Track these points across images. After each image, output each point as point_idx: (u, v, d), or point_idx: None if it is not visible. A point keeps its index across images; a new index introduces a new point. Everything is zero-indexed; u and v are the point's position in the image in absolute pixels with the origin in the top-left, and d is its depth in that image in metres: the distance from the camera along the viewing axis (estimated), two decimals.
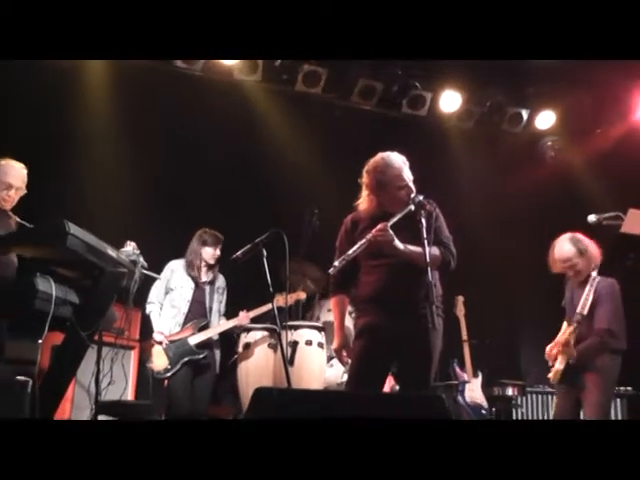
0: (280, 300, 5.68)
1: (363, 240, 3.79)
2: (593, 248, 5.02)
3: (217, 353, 5.80)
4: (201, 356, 5.58)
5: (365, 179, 4.04)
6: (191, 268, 5.78)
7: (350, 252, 3.76)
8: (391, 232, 3.74)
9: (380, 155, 4.04)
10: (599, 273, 4.86)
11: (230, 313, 5.95)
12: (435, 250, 3.86)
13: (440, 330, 3.89)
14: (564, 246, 5.06)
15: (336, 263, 3.80)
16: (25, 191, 4.80)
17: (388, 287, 3.91)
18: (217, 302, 5.87)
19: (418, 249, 3.75)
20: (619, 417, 6.06)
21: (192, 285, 5.76)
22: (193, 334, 5.61)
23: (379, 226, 3.78)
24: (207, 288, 5.83)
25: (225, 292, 5.97)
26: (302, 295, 6.30)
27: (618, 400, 6.08)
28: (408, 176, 3.98)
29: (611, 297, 4.93)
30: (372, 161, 4.05)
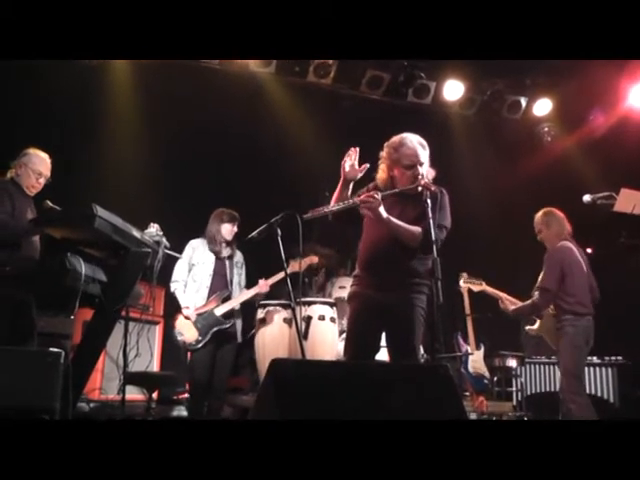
0: (295, 266, 5.69)
1: (350, 200, 3.82)
2: (560, 223, 5.21)
3: (239, 322, 5.83)
4: (228, 325, 5.63)
5: (383, 153, 4.05)
6: (212, 243, 5.80)
7: (331, 206, 3.85)
8: (379, 199, 3.72)
9: (400, 134, 4.02)
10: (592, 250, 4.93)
11: (248, 286, 5.96)
12: (417, 229, 3.81)
13: (424, 305, 3.93)
14: (537, 216, 5.34)
15: (310, 213, 3.86)
16: (49, 179, 4.86)
17: (379, 257, 3.92)
18: (237, 275, 5.89)
19: (403, 224, 3.79)
20: (610, 386, 6.05)
21: (213, 260, 5.78)
22: (218, 305, 5.63)
23: (370, 192, 3.79)
24: (227, 262, 5.85)
25: (244, 266, 5.99)
26: (314, 259, 6.26)
27: (609, 369, 6.06)
28: (420, 158, 3.92)
29: (549, 261, 5.12)
30: (392, 138, 4.04)
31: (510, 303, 5.49)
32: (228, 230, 5.83)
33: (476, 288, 6.10)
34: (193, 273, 5.74)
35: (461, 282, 6.42)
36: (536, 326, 5.38)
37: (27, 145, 4.89)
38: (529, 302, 5.21)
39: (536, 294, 5.16)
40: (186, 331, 5.55)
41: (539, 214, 5.34)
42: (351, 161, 3.91)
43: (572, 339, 4.93)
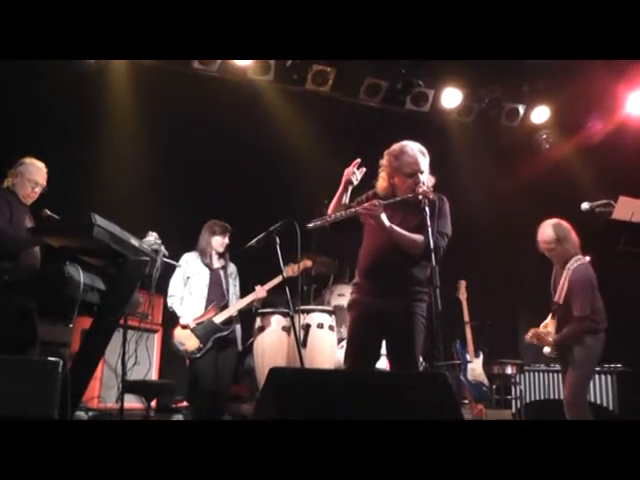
0: (289, 270, 5.71)
1: (352, 209, 3.83)
2: (572, 236, 4.97)
3: (239, 329, 5.85)
4: (228, 332, 5.65)
5: (383, 161, 4.05)
6: (204, 256, 5.85)
7: (333, 216, 3.86)
8: (381, 208, 3.74)
9: (401, 142, 4.02)
10: (591, 257, 4.85)
11: (244, 297, 5.96)
12: (419, 237, 3.81)
13: (425, 313, 3.92)
14: (546, 230, 5.02)
15: (312, 224, 3.90)
16: (45, 188, 4.87)
17: (380, 264, 3.92)
18: (232, 285, 5.93)
19: (405, 232, 3.80)
20: (609, 393, 6.05)
21: (207, 271, 5.81)
22: (216, 314, 5.65)
23: (373, 201, 3.80)
24: (221, 273, 5.89)
25: (237, 278, 6.03)
26: (308, 263, 6.28)
27: (608, 376, 6.06)
28: (420, 167, 3.92)
29: (583, 284, 4.82)
30: (393, 146, 4.04)
31: (545, 334, 5.03)
32: (219, 242, 5.86)
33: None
34: (189, 285, 5.78)
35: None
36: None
37: (26, 147, 4.92)
38: (570, 331, 4.82)
39: (551, 317, 5.00)
40: (187, 340, 5.57)
41: (547, 229, 5.01)
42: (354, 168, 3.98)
43: (591, 353, 4.79)
